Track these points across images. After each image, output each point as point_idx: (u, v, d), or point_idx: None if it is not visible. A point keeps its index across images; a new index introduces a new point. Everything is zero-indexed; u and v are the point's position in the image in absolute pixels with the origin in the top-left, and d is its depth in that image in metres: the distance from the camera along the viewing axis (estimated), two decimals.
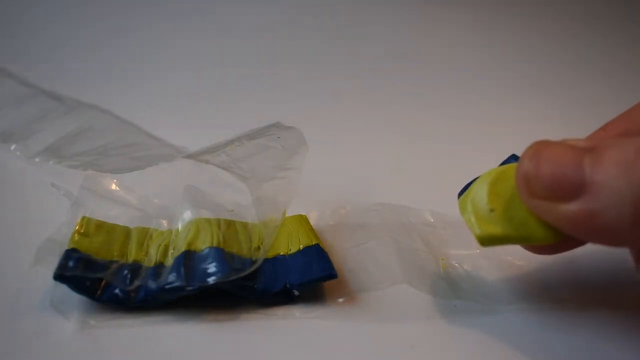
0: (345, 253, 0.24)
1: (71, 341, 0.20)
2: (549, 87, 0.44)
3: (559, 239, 0.19)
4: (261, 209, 0.23)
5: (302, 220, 0.25)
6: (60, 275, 0.20)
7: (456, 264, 0.24)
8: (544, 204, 0.18)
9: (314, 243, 0.23)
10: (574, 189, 0.17)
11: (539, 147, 0.18)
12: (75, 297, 0.21)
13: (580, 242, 0.22)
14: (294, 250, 0.23)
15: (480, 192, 0.20)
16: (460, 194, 0.21)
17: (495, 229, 0.19)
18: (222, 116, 0.37)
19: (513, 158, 0.22)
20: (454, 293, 0.23)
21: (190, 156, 0.25)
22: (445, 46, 0.51)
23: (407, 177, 0.31)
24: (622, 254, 0.22)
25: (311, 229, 0.24)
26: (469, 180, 0.21)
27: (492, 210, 0.20)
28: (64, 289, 0.20)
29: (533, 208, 0.19)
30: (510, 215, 0.19)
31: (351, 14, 0.56)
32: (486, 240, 0.20)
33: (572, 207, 0.17)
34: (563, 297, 0.23)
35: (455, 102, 0.41)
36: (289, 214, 0.25)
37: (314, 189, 0.28)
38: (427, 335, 0.21)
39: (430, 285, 0.23)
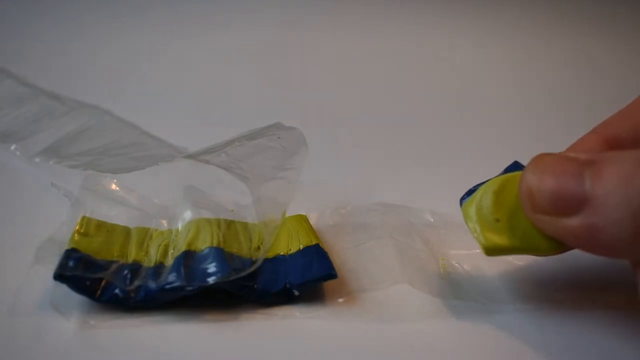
0: (345, 253, 0.24)
1: (71, 341, 0.20)
2: (549, 90, 0.44)
3: (562, 249, 0.19)
4: (261, 209, 0.23)
5: (302, 220, 0.25)
6: (60, 275, 0.20)
7: (456, 264, 0.24)
8: (547, 219, 0.18)
9: (314, 243, 0.23)
10: (575, 203, 0.17)
11: (541, 161, 0.18)
12: (75, 297, 0.21)
13: None
14: (294, 250, 0.23)
15: (485, 201, 0.20)
16: (462, 199, 0.21)
17: (502, 240, 0.19)
18: (222, 116, 0.37)
19: (515, 165, 0.22)
20: (454, 293, 0.23)
21: (190, 156, 0.25)
22: (447, 49, 0.51)
23: (407, 177, 0.31)
24: None
25: (311, 229, 0.24)
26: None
27: (497, 220, 0.20)
28: (64, 289, 0.20)
29: (536, 222, 0.19)
30: (514, 226, 0.19)
31: (353, 12, 0.56)
32: (492, 251, 0.20)
33: (573, 222, 0.17)
34: (563, 297, 0.23)
35: (456, 104, 0.41)
36: (289, 214, 0.25)
37: (314, 189, 0.28)
38: (427, 335, 0.21)
39: (430, 285, 0.23)
